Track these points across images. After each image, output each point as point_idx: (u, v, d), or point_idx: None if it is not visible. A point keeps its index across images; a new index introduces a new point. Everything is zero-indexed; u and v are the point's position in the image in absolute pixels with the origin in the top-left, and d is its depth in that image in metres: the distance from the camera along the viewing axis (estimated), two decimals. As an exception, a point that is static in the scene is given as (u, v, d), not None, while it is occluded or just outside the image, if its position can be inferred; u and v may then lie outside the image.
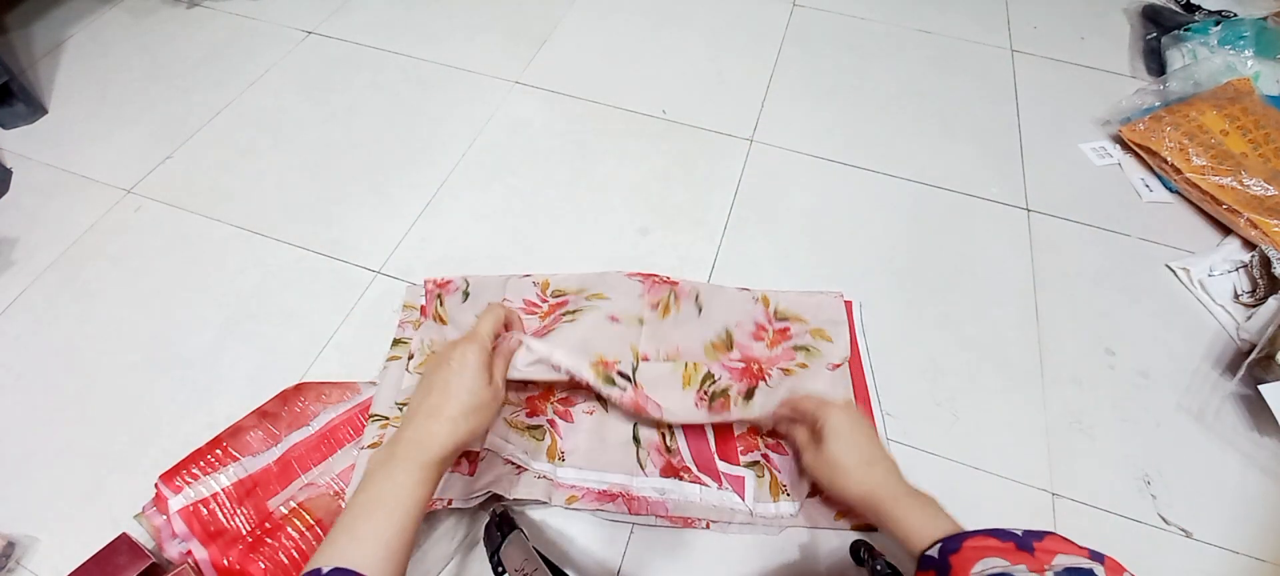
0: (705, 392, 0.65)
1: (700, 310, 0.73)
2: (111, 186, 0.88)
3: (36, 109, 0.99)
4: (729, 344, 0.70)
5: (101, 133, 0.97)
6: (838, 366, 0.70)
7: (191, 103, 0.99)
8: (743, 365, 0.68)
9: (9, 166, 0.91)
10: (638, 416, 0.64)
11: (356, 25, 1.16)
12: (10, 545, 0.60)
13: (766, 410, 0.64)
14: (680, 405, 0.63)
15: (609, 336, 0.67)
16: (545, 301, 0.73)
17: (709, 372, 0.66)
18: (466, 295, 0.77)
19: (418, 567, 0.57)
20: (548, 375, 0.61)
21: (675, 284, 0.75)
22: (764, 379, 0.67)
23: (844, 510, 0.61)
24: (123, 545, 0.56)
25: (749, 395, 0.65)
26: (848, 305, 0.76)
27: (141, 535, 0.59)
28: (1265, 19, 1.04)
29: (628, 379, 0.63)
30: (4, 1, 1.17)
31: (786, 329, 0.73)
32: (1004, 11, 1.23)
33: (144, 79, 1.06)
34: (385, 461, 0.45)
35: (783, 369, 0.68)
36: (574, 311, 0.70)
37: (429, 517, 0.59)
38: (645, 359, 0.66)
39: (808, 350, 0.71)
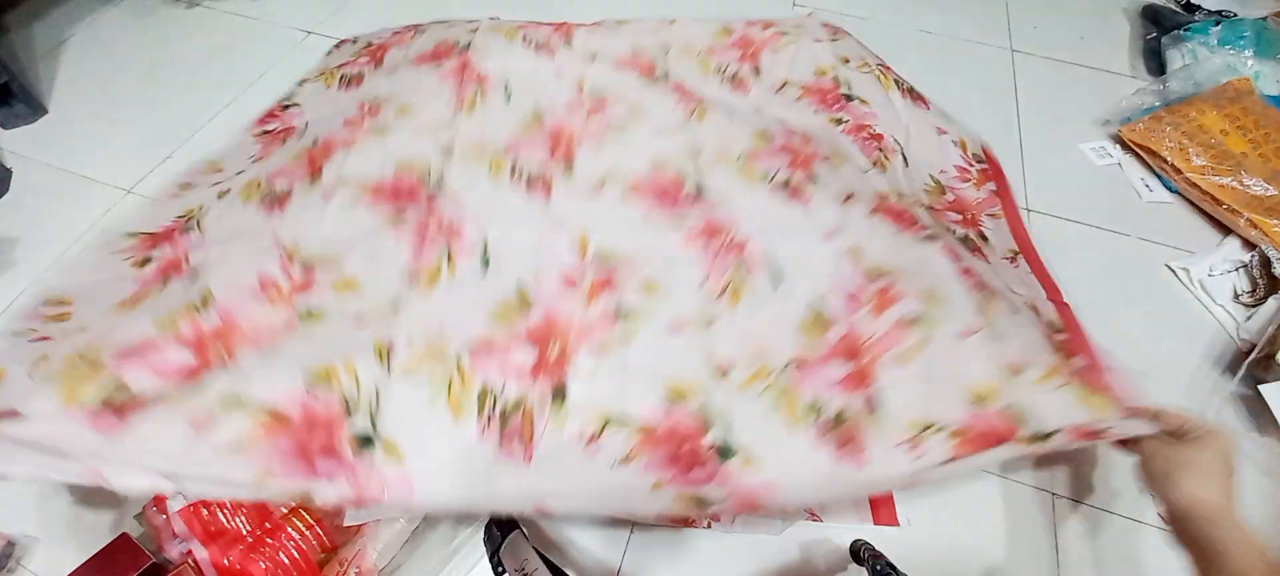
0: (824, 426, 0.49)
1: (776, 283, 0.57)
2: (111, 186, 0.88)
3: (36, 109, 0.99)
4: (824, 324, 0.54)
5: (101, 133, 0.97)
6: (971, 333, 0.53)
7: (191, 103, 0.99)
8: (848, 367, 0.52)
9: (9, 166, 0.91)
10: (749, 513, 0.51)
11: (357, 25, 1.16)
12: (10, 545, 0.60)
13: (906, 416, 0.49)
14: (800, 464, 0.48)
15: (677, 357, 0.52)
16: (586, 275, 0.58)
17: (813, 401, 0.50)
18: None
19: (419, 568, 0.57)
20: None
21: (742, 247, 0.59)
22: (870, 381, 0.51)
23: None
24: (123, 545, 0.56)
25: (872, 407, 0.49)
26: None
27: (141, 535, 0.59)
28: (1265, 19, 1.04)
29: (723, 472, 0.47)
30: (4, 1, 1.17)
31: (887, 288, 0.55)
32: (1004, 11, 1.23)
33: (144, 79, 1.06)
34: None
35: (897, 357, 0.52)
36: (627, 316, 0.55)
37: (428, 517, 0.59)
38: (724, 371, 0.52)
39: (921, 322, 0.53)
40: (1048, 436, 0.47)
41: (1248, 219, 0.81)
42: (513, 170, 0.64)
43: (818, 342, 0.54)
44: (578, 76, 0.75)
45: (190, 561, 0.55)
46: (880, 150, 0.74)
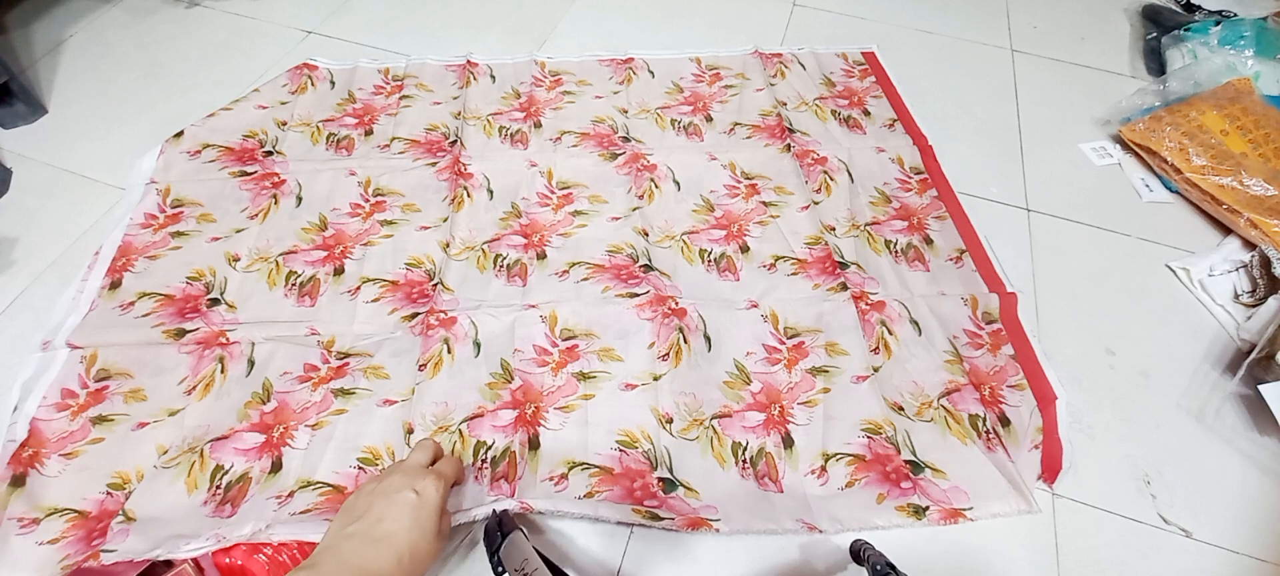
0: (746, 464, 0.62)
1: (710, 345, 0.70)
2: (111, 186, 0.88)
3: (36, 109, 0.99)
4: (746, 378, 0.68)
5: (101, 132, 0.97)
6: (864, 378, 0.68)
7: (191, 103, 0.99)
8: (764, 414, 0.65)
9: (9, 166, 0.91)
10: (696, 529, 0.58)
11: (356, 25, 1.16)
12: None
13: (813, 449, 0.63)
14: (731, 494, 0.60)
15: (628, 411, 0.65)
16: (556, 346, 0.70)
17: (737, 442, 0.64)
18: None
19: (418, 567, 0.57)
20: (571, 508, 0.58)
21: (682, 314, 0.72)
22: (784, 423, 0.65)
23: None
24: (123, 545, 0.56)
25: (789, 443, 0.63)
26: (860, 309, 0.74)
27: (142, 535, 0.58)
28: (1265, 19, 1.04)
29: (670, 502, 0.59)
30: (4, 1, 1.17)
31: (798, 345, 0.71)
32: (1004, 11, 1.23)
33: (144, 79, 1.06)
34: None
35: (805, 403, 0.66)
36: (589, 379, 0.67)
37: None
38: (669, 419, 0.64)
39: (824, 372, 0.68)
40: (920, 466, 0.62)
41: (1248, 219, 0.81)
42: (496, 261, 0.78)
43: (742, 394, 0.67)
44: (548, 165, 0.89)
45: (190, 561, 0.55)
46: (825, 173, 0.89)
